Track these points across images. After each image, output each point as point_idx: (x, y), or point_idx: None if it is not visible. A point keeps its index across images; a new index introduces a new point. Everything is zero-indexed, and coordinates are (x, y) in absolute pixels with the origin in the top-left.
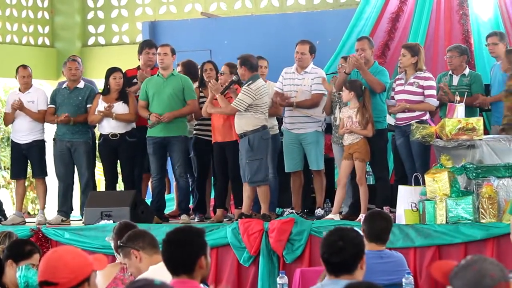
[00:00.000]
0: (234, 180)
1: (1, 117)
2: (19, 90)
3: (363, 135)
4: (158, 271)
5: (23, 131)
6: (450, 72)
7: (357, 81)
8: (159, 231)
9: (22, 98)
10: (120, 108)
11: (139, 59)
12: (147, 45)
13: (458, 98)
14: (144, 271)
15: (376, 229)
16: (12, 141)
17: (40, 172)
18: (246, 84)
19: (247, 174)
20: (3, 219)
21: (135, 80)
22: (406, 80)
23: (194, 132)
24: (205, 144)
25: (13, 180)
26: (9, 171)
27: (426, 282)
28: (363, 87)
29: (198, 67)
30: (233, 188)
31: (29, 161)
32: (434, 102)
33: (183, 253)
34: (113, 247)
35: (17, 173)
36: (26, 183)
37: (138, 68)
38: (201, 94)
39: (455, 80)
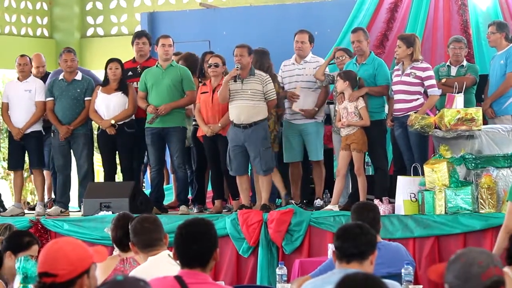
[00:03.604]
0: (227, 172)
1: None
2: (18, 79)
3: (360, 126)
4: (156, 262)
5: (21, 122)
6: (447, 63)
7: (351, 71)
8: None
9: (19, 87)
10: (118, 99)
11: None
12: (136, 36)
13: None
14: (142, 263)
15: (366, 221)
16: (9, 132)
17: (38, 163)
18: (264, 74)
19: (264, 162)
20: (2, 210)
21: (130, 73)
22: (403, 71)
23: (194, 123)
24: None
25: (11, 171)
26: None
27: (425, 272)
28: (358, 77)
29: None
30: (228, 180)
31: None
32: (437, 91)
33: (201, 246)
34: (111, 238)
35: (15, 164)
36: (25, 174)
37: (134, 60)
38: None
39: (453, 70)
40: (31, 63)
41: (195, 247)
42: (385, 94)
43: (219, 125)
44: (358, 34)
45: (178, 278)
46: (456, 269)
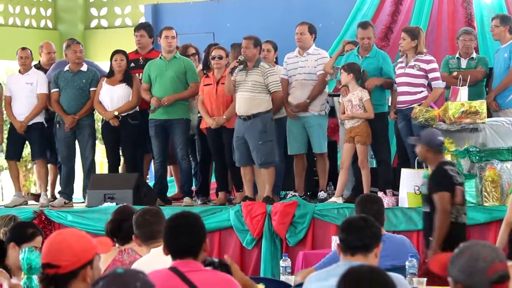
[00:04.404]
0: (232, 164)
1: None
2: (19, 71)
3: (364, 118)
4: (159, 254)
5: (23, 113)
6: (457, 55)
7: (355, 64)
8: None
9: (20, 80)
10: (122, 90)
11: None
12: (134, 29)
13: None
14: (144, 255)
15: (370, 213)
16: (11, 123)
17: (41, 154)
18: (267, 65)
19: (260, 156)
20: None
21: (132, 64)
22: (407, 63)
23: (199, 115)
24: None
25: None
26: None
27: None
28: (361, 69)
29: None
30: (232, 172)
31: (27, 144)
32: (441, 84)
33: (190, 237)
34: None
35: (12, 154)
36: (29, 166)
37: (136, 51)
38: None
39: (464, 63)
40: (32, 56)
41: (185, 239)
42: (391, 88)
43: (224, 117)
44: (369, 31)
45: (173, 269)
46: (461, 263)
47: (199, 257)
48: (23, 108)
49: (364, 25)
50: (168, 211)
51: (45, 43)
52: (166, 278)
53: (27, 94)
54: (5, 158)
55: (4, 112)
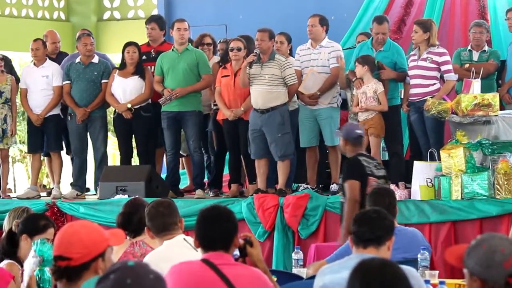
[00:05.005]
0: (247, 156)
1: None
2: (34, 64)
3: (378, 111)
4: (171, 246)
5: (39, 106)
6: (469, 48)
7: (370, 56)
8: None
9: (36, 73)
10: (135, 82)
11: None
12: (146, 21)
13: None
14: (156, 247)
15: (382, 206)
16: (28, 115)
17: (56, 146)
18: (283, 58)
19: (279, 148)
20: None
21: (144, 57)
22: (419, 56)
23: (214, 107)
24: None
25: (28, 154)
26: (24, 145)
27: (441, 258)
28: (376, 61)
29: (219, 41)
30: (246, 164)
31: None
32: (453, 76)
33: (222, 229)
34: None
35: (34, 147)
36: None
37: (148, 44)
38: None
39: (475, 55)
40: (44, 46)
41: (217, 230)
42: (403, 81)
43: (242, 109)
44: (384, 26)
45: (205, 261)
46: (478, 256)
47: (230, 250)
48: (39, 100)
49: (379, 20)
50: (180, 203)
51: (49, 32)
52: (198, 269)
53: (43, 87)
54: (28, 152)
55: (18, 102)
